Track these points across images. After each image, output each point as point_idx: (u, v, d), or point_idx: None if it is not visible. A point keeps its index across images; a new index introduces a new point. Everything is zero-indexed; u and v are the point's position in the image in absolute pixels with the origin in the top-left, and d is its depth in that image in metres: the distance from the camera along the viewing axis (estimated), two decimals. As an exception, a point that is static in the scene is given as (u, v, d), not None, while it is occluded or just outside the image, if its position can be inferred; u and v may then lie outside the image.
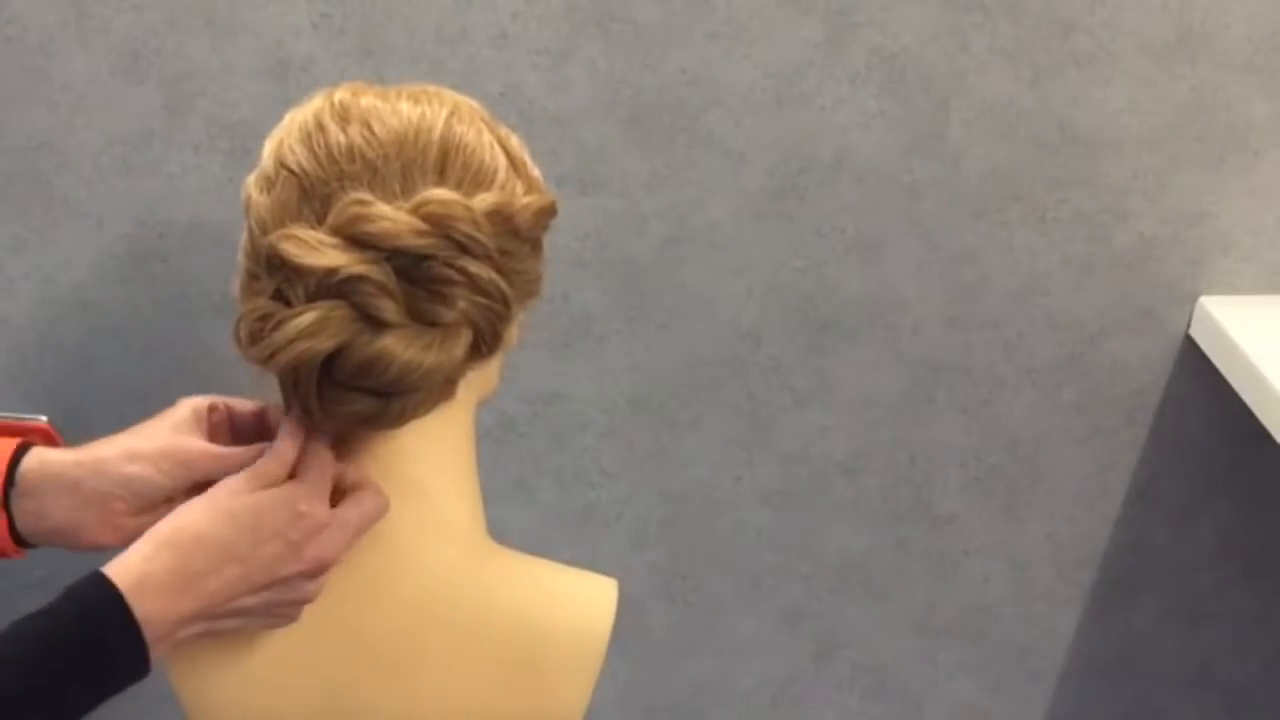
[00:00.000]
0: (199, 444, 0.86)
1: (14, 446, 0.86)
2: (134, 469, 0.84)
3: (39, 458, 0.86)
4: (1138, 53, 1.18)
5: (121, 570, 0.77)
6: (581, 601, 0.87)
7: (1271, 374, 1.14)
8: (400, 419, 0.81)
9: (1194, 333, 1.28)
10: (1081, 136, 1.21)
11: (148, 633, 0.76)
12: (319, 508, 0.81)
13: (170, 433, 0.86)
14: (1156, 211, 1.24)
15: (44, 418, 0.94)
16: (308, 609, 0.84)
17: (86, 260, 1.23)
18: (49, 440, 0.90)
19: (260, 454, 0.84)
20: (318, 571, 0.81)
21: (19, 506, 0.85)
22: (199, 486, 0.83)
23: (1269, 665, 1.44)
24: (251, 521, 0.79)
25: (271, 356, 0.76)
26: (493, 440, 1.31)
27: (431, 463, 0.86)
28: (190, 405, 0.88)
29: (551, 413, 1.31)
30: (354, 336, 0.76)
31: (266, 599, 0.81)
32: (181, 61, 1.17)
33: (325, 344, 0.76)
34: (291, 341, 0.75)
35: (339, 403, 0.79)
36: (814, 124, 1.21)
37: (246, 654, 0.84)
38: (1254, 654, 1.44)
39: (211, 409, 0.89)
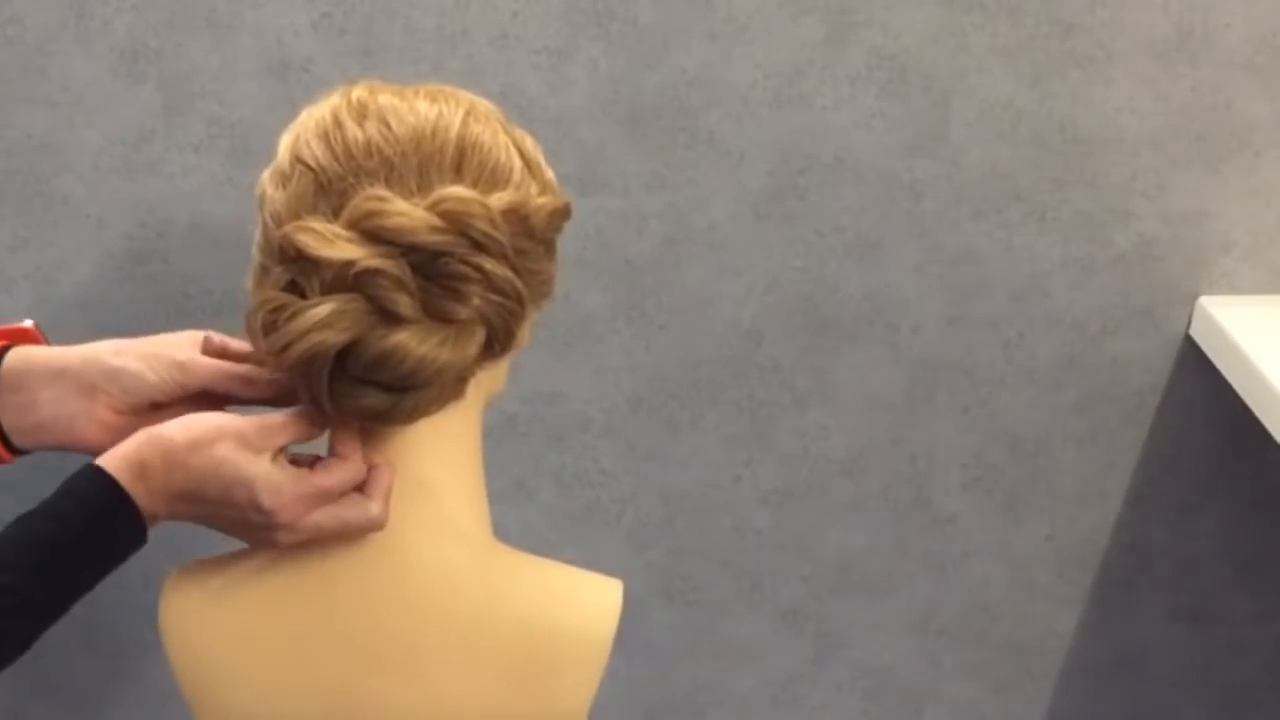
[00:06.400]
0: (194, 353, 0.87)
1: None
2: (122, 362, 0.86)
3: (24, 354, 0.86)
4: (1138, 53, 1.18)
5: (110, 459, 0.79)
6: (587, 602, 0.87)
7: (1271, 374, 1.14)
8: (411, 415, 0.81)
9: (1194, 333, 1.28)
10: (1081, 136, 1.21)
11: (141, 505, 0.78)
12: (284, 515, 0.80)
13: (165, 343, 0.88)
14: (1156, 211, 1.24)
15: (30, 321, 0.91)
16: (310, 609, 0.84)
17: (86, 260, 1.23)
18: (34, 342, 0.89)
19: (269, 379, 0.86)
20: (286, 536, 0.82)
21: (5, 402, 0.86)
22: (192, 398, 0.86)
23: (1269, 665, 1.44)
24: (226, 482, 0.79)
25: (286, 347, 0.76)
26: (493, 440, 1.30)
27: (439, 461, 0.86)
28: (189, 333, 0.90)
29: (551, 413, 1.31)
30: (368, 330, 0.76)
31: (239, 533, 0.83)
32: (181, 61, 1.17)
33: (339, 336, 0.76)
34: (306, 333, 0.76)
35: (351, 397, 0.79)
36: (814, 124, 1.21)
37: (252, 653, 0.84)
38: (1254, 654, 1.44)
39: (207, 339, 0.89)
